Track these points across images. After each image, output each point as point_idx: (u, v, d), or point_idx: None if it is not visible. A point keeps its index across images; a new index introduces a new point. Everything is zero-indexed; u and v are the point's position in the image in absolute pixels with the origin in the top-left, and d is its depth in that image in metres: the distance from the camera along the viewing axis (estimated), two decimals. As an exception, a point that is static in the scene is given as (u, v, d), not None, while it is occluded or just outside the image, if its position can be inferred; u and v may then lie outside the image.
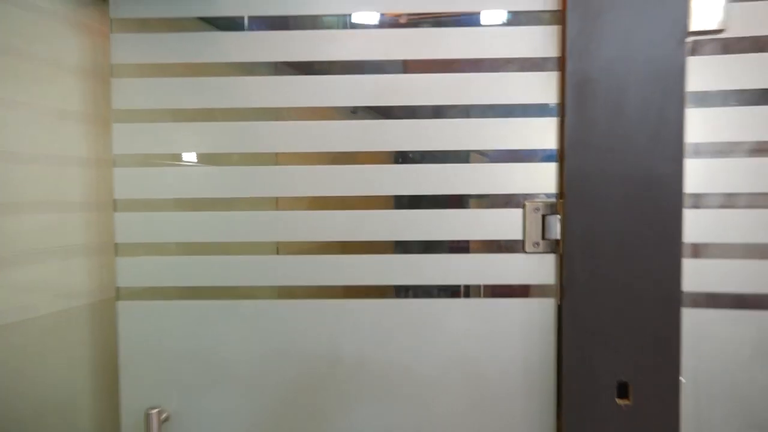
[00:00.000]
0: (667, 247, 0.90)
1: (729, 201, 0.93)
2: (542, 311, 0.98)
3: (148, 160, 1.00)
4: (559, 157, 0.96)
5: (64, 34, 0.97)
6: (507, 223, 0.98)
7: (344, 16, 0.97)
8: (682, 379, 0.93)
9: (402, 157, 0.98)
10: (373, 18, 0.97)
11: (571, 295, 0.93)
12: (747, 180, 0.92)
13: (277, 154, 0.99)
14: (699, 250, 0.94)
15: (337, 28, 0.97)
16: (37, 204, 0.92)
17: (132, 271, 1.01)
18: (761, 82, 0.91)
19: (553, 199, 0.97)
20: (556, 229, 0.96)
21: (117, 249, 1.01)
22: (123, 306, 1.01)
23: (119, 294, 1.01)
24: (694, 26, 0.91)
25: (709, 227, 0.93)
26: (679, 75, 0.89)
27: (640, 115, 0.90)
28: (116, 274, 1.00)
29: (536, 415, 0.99)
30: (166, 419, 1.02)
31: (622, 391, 0.93)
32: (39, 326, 0.94)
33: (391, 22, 0.97)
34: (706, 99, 0.93)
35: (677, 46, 0.89)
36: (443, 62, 0.97)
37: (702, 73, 0.92)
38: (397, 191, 0.98)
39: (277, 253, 1.00)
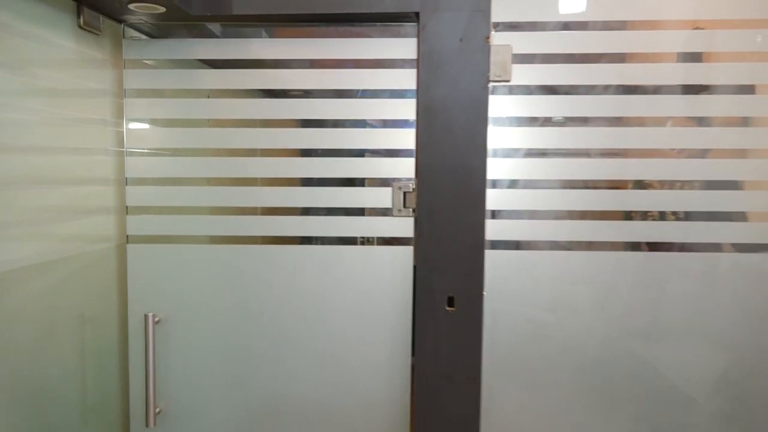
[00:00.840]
0: (475, 212, 1.46)
1: (512, 184, 1.49)
2: (404, 253, 1.53)
3: (149, 152, 1.52)
4: (415, 154, 1.50)
5: (97, 68, 1.47)
6: (382, 197, 1.52)
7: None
8: (485, 293, 1.50)
9: (314, 153, 1.52)
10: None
11: (420, 243, 1.49)
12: (524, 171, 1.48)
13: (238, 150, 1.52)
14: (495, 214, 1.50)
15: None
16: (73, 179, 1.43)
17: (137, 225, 1.53)
18: (531, 112, 1.47)
19: (411, 182, 1.52)
20: (412, 201, 1.51)
21: (127, 210, 1.53)
22: (131, 248, 1.54)
23: (128, 240, 1.53)
24: (492, 77, 1.46)
25: (500, 200, 1.49)
26: (484, 106, 1.44)
27: (461, 130, 1.45)
28: (126, 226, 1.53)
29: (400, 309, 1.55)
30: (158, 321, 1.55)
31: (450, 302, 1.49)
32: (80, 261, 1.45)
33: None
34: (499, 121, 1.48)
35: (483, 89, 1.44)
36: (342, 91, 1.51)
37: (497, 105, 1.48)
38: (311, 175, 1.52)
39: (239, 215, 1.53)
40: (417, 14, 1.46)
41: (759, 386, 1.51)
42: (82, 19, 1.39)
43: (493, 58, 1.46)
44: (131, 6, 1.37)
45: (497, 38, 1.47)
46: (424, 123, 1.47)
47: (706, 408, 1.53)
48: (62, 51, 1.35)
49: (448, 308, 1.50)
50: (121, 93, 1.55)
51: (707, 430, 1.53)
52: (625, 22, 1.46)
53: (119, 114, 1.56)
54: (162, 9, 1.39)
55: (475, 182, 1.46)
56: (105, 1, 1.36)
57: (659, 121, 1.47)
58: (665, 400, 1.53)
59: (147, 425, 1.53)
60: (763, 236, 1.48)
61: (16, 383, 1.24)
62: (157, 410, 1.57)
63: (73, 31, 1.38)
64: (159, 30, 1.53)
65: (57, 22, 1.33)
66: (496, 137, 1.49)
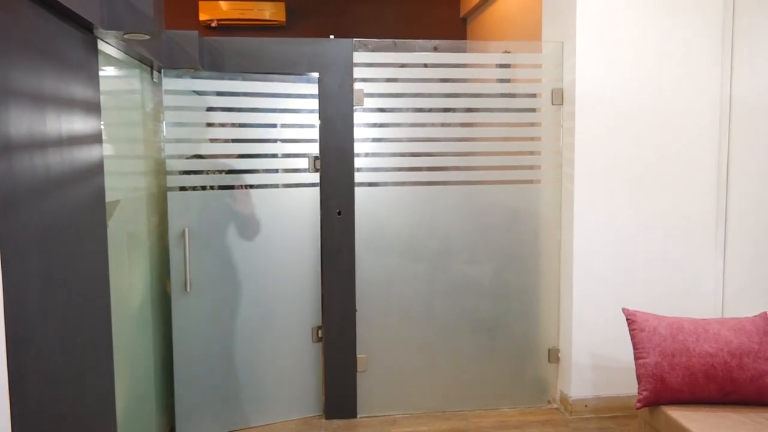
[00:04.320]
0: (349, 169, 3.04)
1: (366, 155, 3.10)
2: (315, 191, 3.08)
3: (181, 140, 2.94)
4: (319, 141, 3.05)
5: (148, 93, 2.84)
6: (303, 163, 3.06)
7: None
8: (355, 208, 3.09)
9: (275, 140, 3.02)
10: (258, 96, 3.00)
11: (323, 185, 3.04)
12: (370, 148, 3.09)
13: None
14: (358, 170, 3.10)
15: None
16: (134, 156, 2.79)
17: (175, 180, 2.95)
18: (373, 120, 3.08)
19: (317, 155, 3.07)
20: (317, 165, 3.06)
21: (167, 174, 2.93)
22: (171, 194, 2.95)
23: (168, 189, 2.95)
24: (354, 104, 3.04)
25: (361, 162, 3.09)
26: (351, 118, 3.02)
27: (340, 129, 3.02)
28: (167, 180, 2.94)
29: (314, 217, 3.10)
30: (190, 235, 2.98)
31: (339, 213, 3.07)
32: (139, 198, 2.82)
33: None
34: (358, 125, 3.08)
35: (350, 109, 3.02)
36: (282, 109, 3.02)
37: (357, 117, 3.07)
38: (272, 152, 3.02)
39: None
40: (319, 74, 3.00)
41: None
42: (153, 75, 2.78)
43: (354, 95, 3.04)
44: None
45: (356, 85, 3.06)
46: (323, 125, 3.03)
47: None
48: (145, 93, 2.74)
49: (338, 215, 3.08)
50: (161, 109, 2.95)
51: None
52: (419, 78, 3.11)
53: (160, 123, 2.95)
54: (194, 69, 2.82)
55: (348, 154, 3.04)
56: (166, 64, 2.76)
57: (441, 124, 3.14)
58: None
59: (185, 290, 2.93)
60: (488, 176, 3.20)
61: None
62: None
63: (150, 83, 2.77)
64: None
65: (143, 78, 2.71)
66: (358, 132, 3.08)
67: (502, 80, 3.39)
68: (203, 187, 2.94)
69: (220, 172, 2.97)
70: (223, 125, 3.00)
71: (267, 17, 6.43)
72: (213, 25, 6.29)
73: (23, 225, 1.45)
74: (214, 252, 2.97)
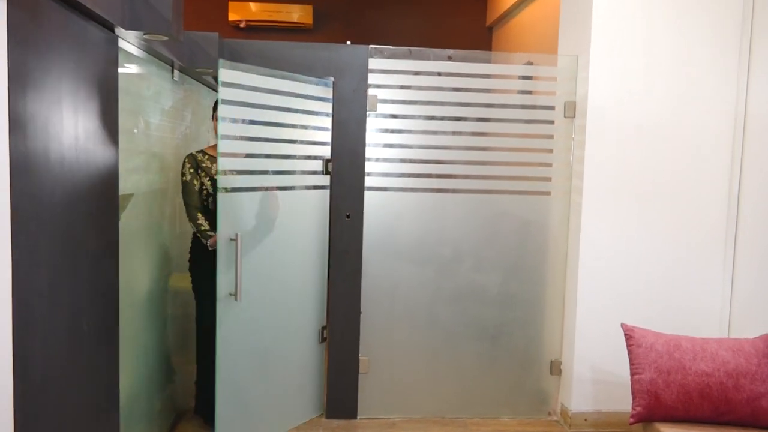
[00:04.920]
0: (359, 172, 3.10)
1: (377, 159, 3.15)
2: (326, 193, 3.15)
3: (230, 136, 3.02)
4: (331, 144, 3.11)
5: (167, 91, 2.93)
6: (318, 165, 3.12)
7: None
8: (364, 210, 3.15)
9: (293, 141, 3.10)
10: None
11: (333, 188, 3.10)
12: (381, 153, 3.14)
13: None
14: (368, 174, 3.15)
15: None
16: (148, 152, 2.88)
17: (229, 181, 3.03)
18: (386, 126, 3.13)
19: (328, 158, 3.13)
20: (329, 167, 3.12)
21: (219, 173, 3.02)
22: (221, 196, 3.04)
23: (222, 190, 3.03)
24: (368, 109, 3.10)
25: (371, 167, 3.14)
26: (364, 122, 3.08)
27: (353, 133, 3.08)
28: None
29: (324, 219, 3.16)
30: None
31: (348, 216, 3.13)
32: (152, 193, 2.91)
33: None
34: (371, 130, 3.13)
35: (364, 114, 3.07)
36: (303, 110, 3.09)
37: (370, 123, 3.13)
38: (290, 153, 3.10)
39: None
40: (334, 78, 3.07)
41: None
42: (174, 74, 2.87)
43: (369, 100, 3.10)
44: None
45: (371, 91, 3.11)
46: (336, 129, 3.09)
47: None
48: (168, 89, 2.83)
49: (347, 218, 3.14)
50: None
51: (467, 278, 3.28)
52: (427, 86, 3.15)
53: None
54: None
55: (359, 158, 3.10)
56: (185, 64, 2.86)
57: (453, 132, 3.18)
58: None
59: (236, 298, 2.93)
60: (498, 185, 3.23)
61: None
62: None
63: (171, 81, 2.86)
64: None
65: (165, 76, 2.80)
66: (370, 137, 3.14)
67: (523, 92, 3.42)
68: (253, 189, 2.82)
69: (264, 172, 2.89)
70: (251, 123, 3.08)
71: (295, 20, 6.54)
72: (242, 25, 6.43)
73: (35, 214, 1.53)
74: (257, 257, 2.88)
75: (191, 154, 2.95)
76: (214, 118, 2.87)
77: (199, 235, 2.90)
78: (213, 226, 2.84)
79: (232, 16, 6.33)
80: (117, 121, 2.08)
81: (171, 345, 3.00)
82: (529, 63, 3.43)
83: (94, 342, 1.93)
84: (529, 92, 3.43)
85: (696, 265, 3.16)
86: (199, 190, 2.91)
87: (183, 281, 3.05)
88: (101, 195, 1.96)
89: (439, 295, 3.25)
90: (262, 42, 3.07)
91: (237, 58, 3.00)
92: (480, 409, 3.30)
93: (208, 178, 2.91)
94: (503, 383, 3.31)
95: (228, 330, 2.74)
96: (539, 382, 3.33)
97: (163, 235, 2.90)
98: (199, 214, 2.90)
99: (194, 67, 2.83)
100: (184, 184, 2.91)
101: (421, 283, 3.24)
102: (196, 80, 3.23)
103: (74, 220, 1.76)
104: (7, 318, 1.42)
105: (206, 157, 2.95)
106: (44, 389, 1.60)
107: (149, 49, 2.37)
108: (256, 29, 6.46)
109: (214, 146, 2.87)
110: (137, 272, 2.53)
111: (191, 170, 2.91)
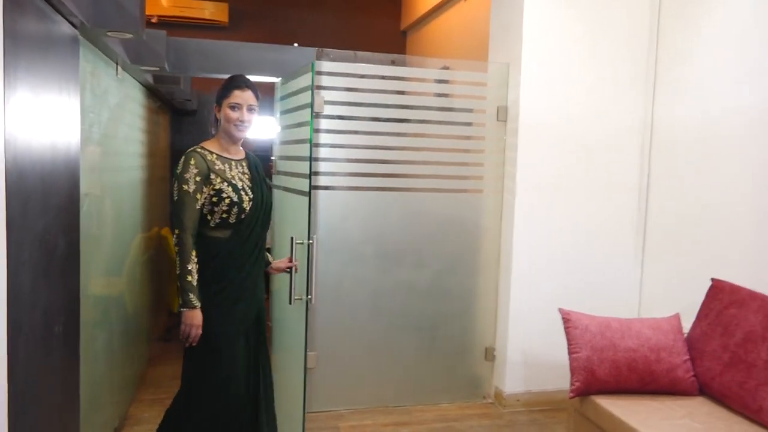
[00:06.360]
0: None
1: (324, 158, 3.24)
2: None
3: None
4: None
5: (113, 89, 2.85)
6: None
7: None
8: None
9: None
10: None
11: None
12: (328, 154, 3.23)
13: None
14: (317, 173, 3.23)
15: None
16: (104, 151, 2.80)
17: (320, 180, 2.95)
18: (332, 127, 3.23)
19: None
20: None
21: (312, 174, 2.94)
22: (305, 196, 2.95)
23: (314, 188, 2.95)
24: (316, 110, 3.18)
25: (321, 167, 3.23)
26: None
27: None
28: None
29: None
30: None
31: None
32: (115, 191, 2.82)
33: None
34: (318, 129, 3.22)
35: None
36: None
37: (319, 123, 3.21)
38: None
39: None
40: (281, 79, 3.12)
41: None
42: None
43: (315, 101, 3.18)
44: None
45: (317, 92, 3.19)
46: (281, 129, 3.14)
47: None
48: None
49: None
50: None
51: (408, 272, 3.44)
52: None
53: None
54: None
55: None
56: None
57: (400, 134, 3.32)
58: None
59: (312, 301, 2.95)
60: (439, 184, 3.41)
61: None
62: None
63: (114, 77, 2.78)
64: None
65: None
66: (316, 137, 3.22)
67: (440, 95, 3.63)
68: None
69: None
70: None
71: (207, 16, 6.43)
72: (153, 20, 6.22)
73: (20, 220, 1.49)
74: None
75: (196, 151, 2.22)
76: (217, 109, 2.29)
77: (177, 284, 2.18)
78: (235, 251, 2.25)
79: (145, 11, 6.10)
80: (79, 119, 2.03)
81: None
82: (445, 68, 3.65)
83: (62, 343, 1.88)
84: (451, 96, 3.64)
85: (611, 255, 3.52)
86: (207, 203, 2.20)
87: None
88: (67, 194, 1.92)
89: (381, 290, 3.39)
90: (209, 41, 3.07)
91: (182, 57, 2.98)
92: (421, 397, 3.48)
93: (226, 183, 2.21)
94: (442, 371, 3.51)
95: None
96: (475, 368, 3.56)
97: (125, 234, 2.82)
98: (193, 253, 2.17)
99: (141, 65, 2.78)
100: (184, 194, 2.16)
101: (364, 278, 3.37)
102: (134, 78, 3.15)
103: (48, 221, 1.72)
104: (4, 318, 1.39)
105: (214, 156, 2.25)
106: (26, 391, 1.56)
107: (101, 45, 2.32)
108: (169, 25, 6.27)
109: (216, 141, 2.30)
110: (100, 272, 2.46)
111: (197, 178, 2.17)
